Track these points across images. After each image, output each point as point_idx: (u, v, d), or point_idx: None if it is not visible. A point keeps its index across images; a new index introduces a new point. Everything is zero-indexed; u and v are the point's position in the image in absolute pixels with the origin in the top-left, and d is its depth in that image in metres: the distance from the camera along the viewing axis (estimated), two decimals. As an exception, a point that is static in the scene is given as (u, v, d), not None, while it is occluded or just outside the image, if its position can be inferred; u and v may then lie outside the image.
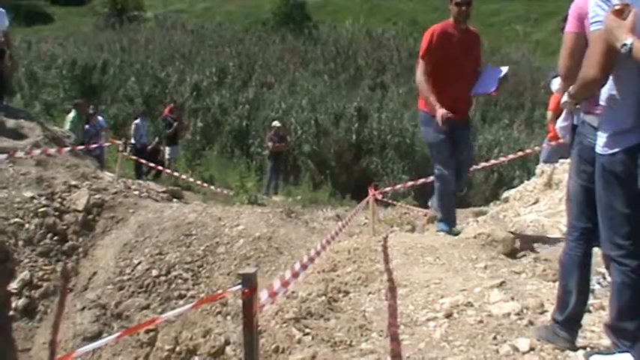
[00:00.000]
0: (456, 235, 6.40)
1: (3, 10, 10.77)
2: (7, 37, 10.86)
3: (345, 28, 33.39)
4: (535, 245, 6.18)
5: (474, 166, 9.90)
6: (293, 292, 5.12)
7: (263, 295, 3.40)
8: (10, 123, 10.39)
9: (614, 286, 3.16)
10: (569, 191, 3.54)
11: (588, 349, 3.48)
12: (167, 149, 16.69)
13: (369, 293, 5.04)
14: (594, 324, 3.88)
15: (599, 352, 3.33)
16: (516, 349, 3.57)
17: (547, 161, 9.02)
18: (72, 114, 14.20)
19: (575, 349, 3.49)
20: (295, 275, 4.09)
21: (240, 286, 3.21)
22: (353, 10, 40.13)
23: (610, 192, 3.06)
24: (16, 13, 29.79)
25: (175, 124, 16.83)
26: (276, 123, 17.60)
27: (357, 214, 8.12)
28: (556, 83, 8.05)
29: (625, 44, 2.74)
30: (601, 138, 3.08)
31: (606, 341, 3.52)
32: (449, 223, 6.62)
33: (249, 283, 3.20)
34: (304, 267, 4.36)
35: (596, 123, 3.29)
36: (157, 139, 16.88)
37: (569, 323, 3.51)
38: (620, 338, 3.13)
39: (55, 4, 46.42)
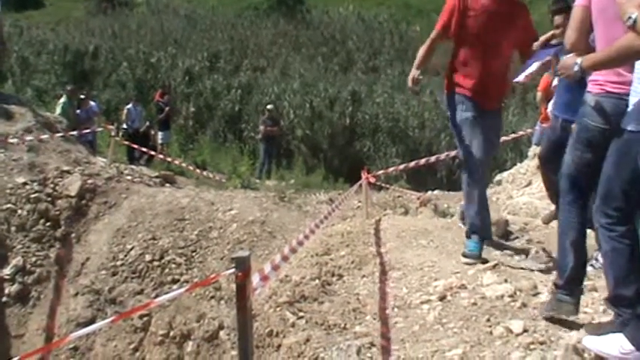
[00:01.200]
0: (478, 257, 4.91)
1: None
2: (-2, 23, 10.77)
3: (338, 12, 33.19)
4: (528, 227, 6.20)
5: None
6: (287, 276, 5.12)
7: (255, 278, 3.40)
8: (1, 109, 10.33)
9: (605, 256, 3.21)
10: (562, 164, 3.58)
11: (581, 330, 3.49)
12: (160, 134, 16.66)
13: (363, 276, 5.04)
14: (587, 305, 3.89)
15: (593, 333, 3.35)
16: (510, 331, 3.58)
17: (539, 143, 9.02)
18: (62, 99, 14.15)
19: (569, 329, 3.50)
20: (285, 259, 4.09)
21: (233, 270, 3.20)
22: (345, -7, 39.88)
23: (619, 167, 3.10)
24: (6, -1, 29.52)
25: (167, 108, 16.80)
26: (269, 107, 17.57)
27: (350, 197, 8.11)
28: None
29: (630, 17, 2.78)
30: (629, 114, 3.09)
31: (599, 322, 3.54)
32: (480, 239, 5.00)
33: (243, 267, 3.19)
34: (294, 250, 4.35)
35: (593, 103, 3.31)
36: (147, 123, 16.81)
37: (570, 286, 3.51)
38: (621, 307, 3.16)
39: (46, -11, 46.04)
